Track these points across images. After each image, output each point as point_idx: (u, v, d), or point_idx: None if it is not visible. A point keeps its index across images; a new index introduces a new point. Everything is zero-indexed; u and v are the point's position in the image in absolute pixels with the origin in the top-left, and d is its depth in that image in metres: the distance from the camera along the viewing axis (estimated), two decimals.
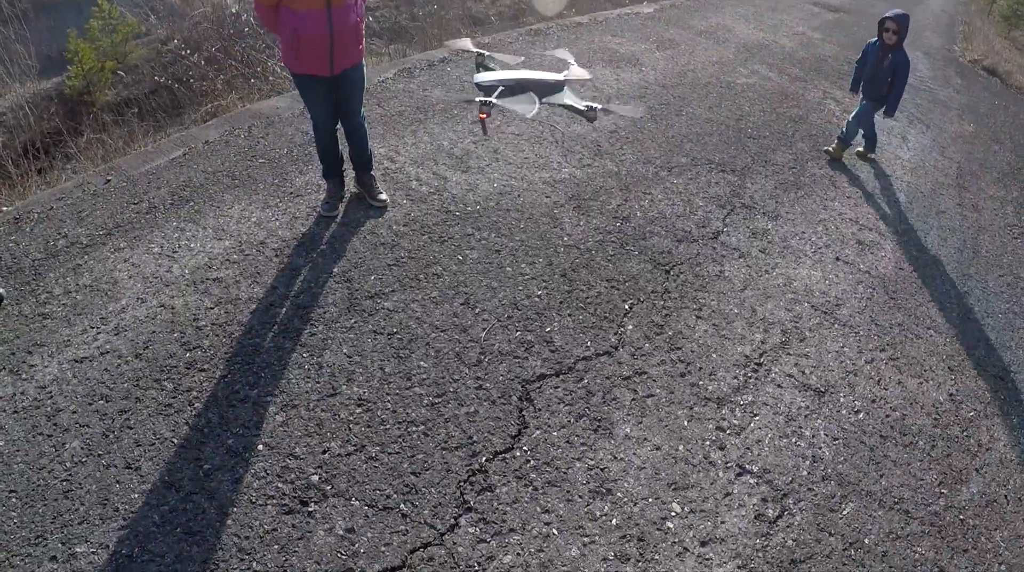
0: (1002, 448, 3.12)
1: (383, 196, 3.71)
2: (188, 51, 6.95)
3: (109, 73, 6.81)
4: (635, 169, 4.57)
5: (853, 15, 10.76)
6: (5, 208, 3.60)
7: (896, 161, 5.61)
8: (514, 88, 3.23)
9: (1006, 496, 2.89)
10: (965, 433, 3.15)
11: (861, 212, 4.70)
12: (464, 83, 5.30)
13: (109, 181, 3.81)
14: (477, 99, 3.15)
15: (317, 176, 3.84)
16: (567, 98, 3.32)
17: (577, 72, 3.67)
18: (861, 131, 5.32)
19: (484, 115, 3.03)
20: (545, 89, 3.31)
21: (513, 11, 9.54)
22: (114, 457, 2.37)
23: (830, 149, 5.33)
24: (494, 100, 3.16)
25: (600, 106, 3.34)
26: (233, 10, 7.70)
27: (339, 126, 3.51)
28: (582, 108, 3.25)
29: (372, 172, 3.72)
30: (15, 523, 2.16)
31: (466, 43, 3.87)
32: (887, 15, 4.81)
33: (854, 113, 5.19)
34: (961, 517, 2.75)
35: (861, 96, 5.16)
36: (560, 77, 3.48)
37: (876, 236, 4.45)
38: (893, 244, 4.42)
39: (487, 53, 3.64)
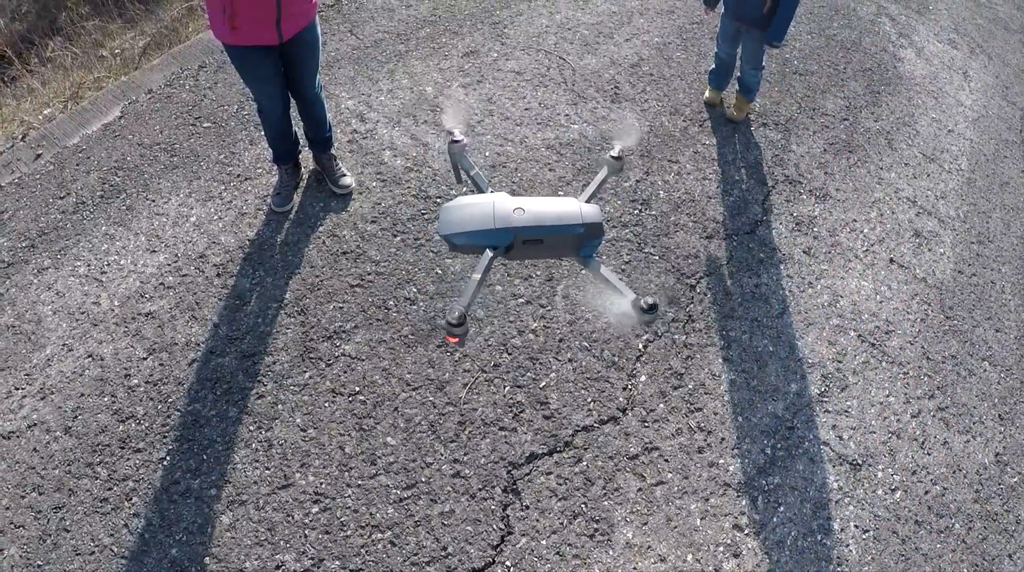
0: None
1: (347, 180, 2.96)
2: None
3: None
4: (660, 123, 3.74)
5: None
6: None
7: (958, 109, 4.72)
8: (513, 245, 1.70)
9: None
10: (1005, 507, 2.77)
11: (919, 187, 3.97)
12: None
13: (39, 156, 3.14)
14: (446, 317, 1.62)
15: (270, 152, 3.05)
16: (607, 273, 1.84)
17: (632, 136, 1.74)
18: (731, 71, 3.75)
19: (454, 339, 1.66)
20: (568, 241, 1.76)
21: None
22: (54, 570, 2.06)
23: (732, 111, 3.85)
24: (471, 299, 1.64)
25: (616, 152, 1.97)
26: None
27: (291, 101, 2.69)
28: (631, 300, 1.79)
29: (333, 151, 2.94)
30: None
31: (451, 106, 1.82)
32: None
33: (744, 52, 3.53)
34: None
35: (728, 19, 3.40)
36: (588, 194, 1.88)
37: (935, 224, 3.78)
38: (953, 235, 3.76)
39: (463, 139, 1.91)
